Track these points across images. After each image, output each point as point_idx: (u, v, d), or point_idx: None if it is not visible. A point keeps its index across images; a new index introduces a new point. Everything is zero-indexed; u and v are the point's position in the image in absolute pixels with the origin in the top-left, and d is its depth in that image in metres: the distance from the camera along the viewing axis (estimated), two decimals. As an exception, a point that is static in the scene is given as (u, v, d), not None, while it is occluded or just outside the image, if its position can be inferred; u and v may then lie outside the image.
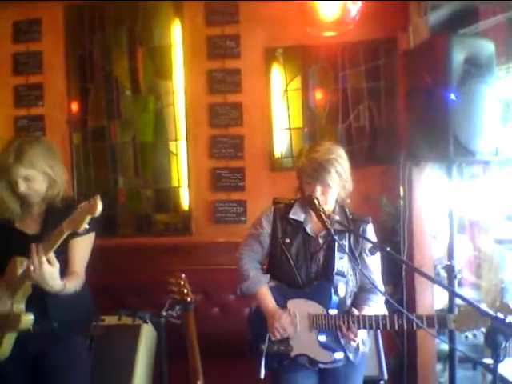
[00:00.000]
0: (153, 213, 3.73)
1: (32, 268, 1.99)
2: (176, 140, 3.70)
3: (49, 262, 2.01)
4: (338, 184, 2.16)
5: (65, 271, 2.18)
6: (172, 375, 2.29)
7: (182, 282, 2.46)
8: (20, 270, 2.12)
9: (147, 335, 2.80)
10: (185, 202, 3.71)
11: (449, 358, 2.85)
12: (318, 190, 2.14)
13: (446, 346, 3.17)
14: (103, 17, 3.69)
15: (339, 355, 2.17)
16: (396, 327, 2.05)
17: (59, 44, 3.73)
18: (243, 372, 2.29)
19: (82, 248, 2.28)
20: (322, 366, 2.19)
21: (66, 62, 3.73)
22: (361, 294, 2.25)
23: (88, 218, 1.96)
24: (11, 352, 2.19)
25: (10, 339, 2.17)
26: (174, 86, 3.68)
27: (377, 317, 2.07)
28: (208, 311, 3.37)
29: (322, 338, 2.17)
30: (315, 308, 2.17)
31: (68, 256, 2.23)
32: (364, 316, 2.10)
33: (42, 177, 2.23)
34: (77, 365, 2.31)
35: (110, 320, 2.76)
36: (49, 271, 2.01)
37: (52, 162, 2.26)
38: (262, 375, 2.17)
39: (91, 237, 2.32)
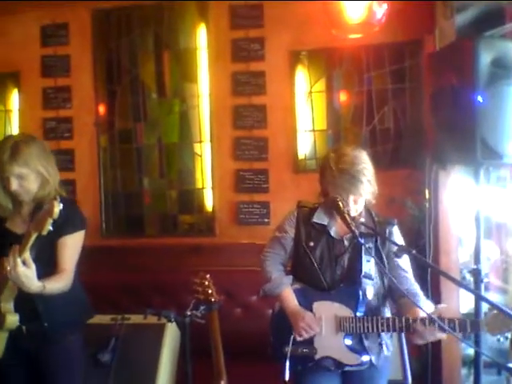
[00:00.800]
0: (177, 214, 3.77)
1: (8, 269, 1.98)
2: (200, 142, 3.73)
3: (24, 263, 1.98)
4: (367, 192, 2.14)
5: (52, 270, 2.17)
6: (195, 375, 2.30)
7: (207, 283, 2.48)
8: (5, 270, 2.07)
9: (171, 335, 2.82)
10: (209, 203, 3.74)
11: (474, 363, 2.81)
12: (351, 199, 2.12)
13: (470, 351, 3.13)
14: (130, 21, 3.76)
15: (366, 358, 2.16)
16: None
17: (86, 47, 3.80)
18: (266, 372, 2.30)
19: (70, 247, 2.24)
20: (347, 368, 2.17)
21: (93, 65, 3.81)
22: (402, 298, 2.17)
23: (49, 220, 1.93)
24: (6, 353, 2.19)
25: (1, 338, 2.18)
26: (198, 88, 3.72)
27: (407, 319, 2.04)
28: (231, 312, 3.39)
29: (348, 340, 2.16)
30: (342, 310, 2.15)
31: (56, 255, 2.20)
32: (394, 318, 2.07)
33: (34, 176, 2.21)
34: (70, 365, 2.30)
35: (135, 319, 2.79)
36: (23, 273, 1.98)
37: (46, 163, 2.25)
38: (287, 378, 2.15)
39: (80, 235, 2.28)
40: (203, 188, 3.74)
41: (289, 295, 2.25)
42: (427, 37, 3.28)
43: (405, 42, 3.43)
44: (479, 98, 2.55)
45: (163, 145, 3.77)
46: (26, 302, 2.14)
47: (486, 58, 2.56)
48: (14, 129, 3.93)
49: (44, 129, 3.85)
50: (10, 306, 2.15)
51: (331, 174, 2.12)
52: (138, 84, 3.77)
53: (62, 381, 2.27)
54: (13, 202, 2.28)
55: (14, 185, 2.18)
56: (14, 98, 3.93)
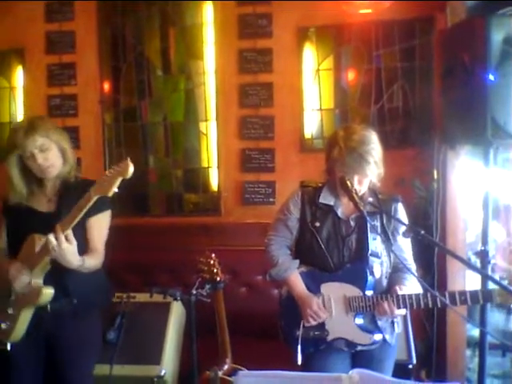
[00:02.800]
0: (183, 193, 3.76)
1: (51, 245, 2.00)
2: (206, 120, 3.70)
3: (67, 239, 2.02)
4: (373, 173, 2.11)
5: (84, 249, 2.19)
6: (201, 353, 2.32)
7: (212, 262, 2.49)
8: (38, 247, 2.12)
9: (177, 313, 2.84)
10: (214, 182, 3.72)
11: (479, 344, 2.81)
12: (356, 179, 2.08)
13: (475, 332, 3.14)
14: (135, -4, 3.69)
15: (378, 337, 2.16)
16: (438, 305, 2.03)
17: (91, 24, 3.74)
18: (270, 351, 2.32)
19: (99, 226, 2.27)
20: (359, 348, 2.17)
21: (98, 42, 3.75)
22: (395, 274, 2.21)
23: (119, 180, 1.94)
24: (26, 332, 2.21)
25: (25, 318, 2.18)
26: (204, 65, 3.67)
27: (417, 295, 2.04)
28: (236, 291, 3.40)
29: (359, 320, 2.15)
30: (351, 290, 2.14)
31: (86, 235, 2.23)
32: (404, 295, 2.06)
33: (56, 149, 2.22)
34: (91, 341, 2.34)
35: (141, 297, 2.81)
36: (67, 249, 2.02)
37: (64, 138, 2.27)
38: (300, 362, 2.15)
39: (108, 215, 2.31)
40: (209, 167, 3.72)
41: (296, 280, 2.24)
42: (438, 14, 3.22)
43: (415, 19, 3.36)
44: (491, 77, 2.51)
45: (168, 123, 3.73)
46: (54, 279, 2.17)
47: (497, 37, 2.54)
48: (19, 106, 3.89)
49: (49, 106, 3.82)
50: (41, 280, 2.17)
51: (339, 151, 2.09)
52: (143, 61, 3.72)
53: (81, 357, 2.29)
54: (36, 182, 2.28)
55: (40, 158, 2.18)
56: (18, 74, 3.88)
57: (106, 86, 3.76)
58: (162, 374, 2.63)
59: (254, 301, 3.36)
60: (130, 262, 3.47)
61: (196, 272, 2.53)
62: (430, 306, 2.03)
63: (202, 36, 3.66)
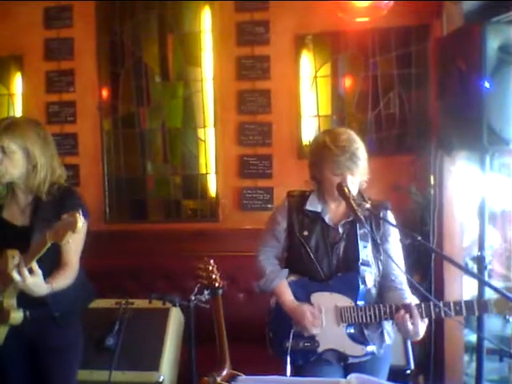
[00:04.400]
0: (181, 199, 3.77)
1: (15, 281, 1.94)
2: (204, 127, 3.71)
3: (30, 272, 1.95)
4: (362, 172, 2.11)
5: (57, 263, 2.15)
6: (199, 359, 2.32)
7: (211, 268, 2.50)
8: (11, 264, 2.01)
9: (175, 319, 2.84)
10: (212, 188, 3.73)
11: (476, 349, 2.82)
12: (349, 179, 2.07)
13: (472, 338, 3.15)
14: (134, 3, 3.71)
15: (371, 348, 2.11)
16: (433, 316, 1.98)
17: (90, 30, 3.76)
18: (269, 357, 2.31)
19: (74, 241, 2.13)
20: (350, 360, 2.13)
21: (96, 48, 3.76)
22: (392, 292, 2.14)
23: (69, 234, 1.87)
24: (8, 336, 2.16)
25: (2, 329, 2.15)
26: (202, 72, 3.69)
27: (411, 306, 1.99)
28: (234, 297, 3.40)
29: (351, 331, 2.11)
30: (342, 300, 2.10)
31: (61, 249, 2.15)
32: (397, 306, 2.01)
33: (20, 156, 2.10)
34: (73, 348, 2.30)
35: (140, 303, 2.81)
36: (32, 282, 1.96)
37: (43, 150, 2.14)
38: (289, 373, 2.10)
39: (83, 227, 2.18)
40: (207, 173, 3.73)
41: (283, 289, 2.21)
42: (434, 21, 3.25)
43: (412, 26, 3.39)
44: (486, 84, 2.53)
45: (166, 129, 3.75)
46: None
47: (493, 44, 2.55)
48: (18, 112, 3.89)
49: (47, 112, 3.82)
50: (14, 301, 2.10)
51: (331, 153, 2.06)
52: (141, 67, 3.73)
53: (63, 363, 2.27)
54: (7, 189, 2.20)
55: None
56: (17, 81, 3.89)
57: (105, 93, 3.78)
58: (161, 380, 2.63)
59: (252, 307, 3.35)
60: (129, 268, 3.48)
61: (194, 278, 2.54)
62: (424, 316, 1.98)
63: (200, 43, 3.68)
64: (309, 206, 2.20)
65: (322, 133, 2.28)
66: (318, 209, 2.19)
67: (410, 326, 1.95)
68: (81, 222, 1.85)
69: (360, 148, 2.09)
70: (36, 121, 2.25)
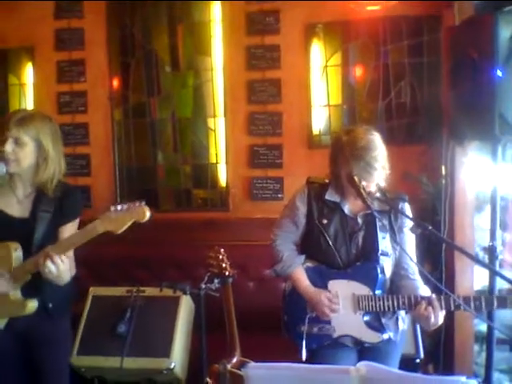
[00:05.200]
0: (191, 188, 3.78)
1: (48, 270, 1.96)
2: (214, 116, 3.71)
3: (62, 261, 1.98)
4: (381, 178, 2.11)
5: None
6: (209, 347, 2.34)
7: (221, 257, 2.51)
8: (14, 256, 2.06)
9: (186, 307, 2.86)
10: (222, 178, 3.74)
11: (486, 339, 2.82)
12: (363, 184, 2.06)
13: (483, 327, 3.14)
14: (144, -6, 3.71)
15: (387, 335, 2.14)
16: (452, 308, 1.99)
17: (100, 20, 3.76)
18: (278, 345, 2.32)
19: (72, 233, 2.19)
20: (366, 345, 2.16)
21: (107, 39, 3.77)
22: (404, 281, 2.16)
23: (129, 222, 1.88)
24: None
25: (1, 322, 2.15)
26: (212, 62, 3.69)
27: (429, 298, 2.01)
28: (244, 286, 3.42)
29: (367, 318, 2.14)
30: (360, 289, 2.13)
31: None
32: (416, 297, 2.03)
33: (32, 148, 2.11)
34: (65, 340, 2.33)
35: (150, 291, 2.83)
36: (64, 271, 2.01)
37: (54, 144, 2.16)
38: (304, 357, 2.14)
39: (76, 223, 2.24)
40: (217, 163, 3.74)
41: (301, 275, 2.23)
42: (446, 11, 3.21)
43: (423, 15, 3.36)
44: (498, 73, 2.51)
45: (177, 119, 3.75)
46: (29, 283, 2.12)
47: (505, 33, 2.54)
48: (29, 103, 3.92)
49: (58, 103, 3.84)
50: (19, 293, 2.12)
51: (344, 160, 2.07)
52: (151, 57, 3.73)
53: (54, 355, 2.28)
54: (5, 179, 2.18)
55: (8, 147, 2.07)
56: (28, 71, 3.91)
57: (115, 83, 3.79)
58: (172, 366, 2.66)
59: (261, 295, 3.38)
60: (139, 257, 3.50)
61: (205, 267, 2.55)
62: (443, 308, 1.99)
63: (210, 32, 3.67)
64: (328, 196, 2.22)
65: (343, 130, 2.27)
66: (337, 199, 2.21)
67: (432, 318, 1.97)
68: (148, 213, 1.87)
69: (377, 156, 2.05)
70: (48, 115, 2.26)
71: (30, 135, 2.10)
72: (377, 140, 2.10)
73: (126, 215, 1.88)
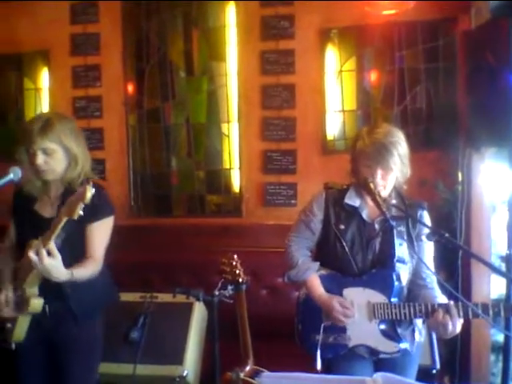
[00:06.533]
0: (205, 194, 3.78)
1: (33, 261, 1.95)
2: (228, 122, 3.71)
3: (49, 253, 1.95)
4: (398, 168, 2.07)
5: (81, 257, 2.16)
6: (222, 354, 2.32)
7: (235, 263, 2.49)
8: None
9: (199, 313, 2.85)
10: (236, 183, 3.73)
11: (503, 349, 2.77)
12: (379, 173, 2.04)
13: (499, 337, 3.09)
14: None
15: (404, 345, 2.10)
16: (470, 316, 1.96)
17: (116, 26, 3.79)
18: (292, 353, 2.30)
19: (99, 233, 2.21)
20: (382, 356, 2.12)
21: (122, 44, 3.79)
22: (422, 291, 2.13)
23: (80, 205, 1.89)
24: (28, 332, 2.18)
25: (23, 322, 2.16)
26: (227, 67, 3.69)
27: (447, 305, 1.98)
28: (257, 292, 3.40)
29: (383, 327, 2.09)
30: (375, 296, 2.09)
31: (85, 242, 2.18)
32: (433, 304, 2.00)
33: (62, 153, 2.16)
34: (91, 346, 2.31)
35: (164, 297, 2.82)
36: (50, 264, 1.96)
37: (77, 142, 2.20)
38: (319, 367, 2.10)
39: (109, 222, 2.25)
40: (231, 168, 3.73)
41: (315, 282, 2.20)
42: (461, 15, 3.18)
43: (439, 19, 3.32)
44: (516, 79, 2.48)
45: (191, 124, 3.76)
46: (50, 284, 2.10)
47: (522, 38, 2.49)
48: (45, 107, 3.95)
49: (74, 107, 3.87)
50: (35, 290, 2.13)
51: (363, 143, 2.07)
52: (166, 63, 3.75)
53: (80, 361, 2.26)
54: (42, 181, 2.24)
55: (40, 159, 2.13)
56: (44, 76, 3.95)
57: (130, 88, 3.81)
58: (185, 374, 2.65)
59: (275, 303, 3.36)
60: (153, 262, 3.50)
61: (218, 273, 2.53)
62: (461, 316, 1.96)
63: (225, 38, 3.68)
64: (347, 200, 2.19)
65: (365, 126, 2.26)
66: (356, 203, 2.18)
67: (450, 326, 1.94)
68: (89, 193, 1.88)
69: (395, 142, 2.05)
70: (64, 115, 2.30)
71: (55, 141, 2.14)
72: (397, 132, 2.11)
73: (75, 200, 1.92)
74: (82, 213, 1.93)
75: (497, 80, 2.57)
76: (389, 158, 2.03)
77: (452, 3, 3.21)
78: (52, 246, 1.97)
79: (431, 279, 2.14)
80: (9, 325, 2.18)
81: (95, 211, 2.13)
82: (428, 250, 2.17)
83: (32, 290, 2.13)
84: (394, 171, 2.08)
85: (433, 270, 2.17)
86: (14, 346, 2.21)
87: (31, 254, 1.96)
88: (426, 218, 2.20)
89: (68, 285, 2.13)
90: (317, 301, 2.18)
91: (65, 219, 1.96)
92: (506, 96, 2.52)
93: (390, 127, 2.13)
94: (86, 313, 2.23)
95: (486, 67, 2.64)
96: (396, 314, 2.05)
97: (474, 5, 3.05)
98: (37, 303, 2.12)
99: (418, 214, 2.16)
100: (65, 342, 2.24)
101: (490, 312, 1.93)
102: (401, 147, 2.06)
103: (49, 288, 2.12)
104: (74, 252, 2.13)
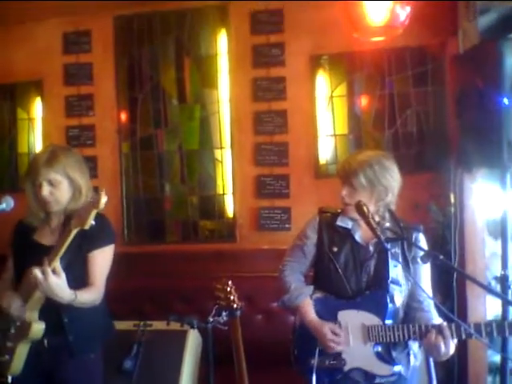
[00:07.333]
0: (198, 220, 3.77)
1: (37, 280, 1.96)
2: (221, 148, 3.73)
3: (54, 272, 1.97)
4: (367, 189, 2.09)
5: (82, 285, 2.15)
6: (217, 382, 2.29)
7: (229, 289, 2.47)
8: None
9: (193, 341, 2.82)
10: (230, 209, 3.73)
11: (500, 370, 2.75)
12: (345, 190, 2.12)
13: (496, 358, 3.07)
14: (151, 27, 3.77)
15: (398, 368, 2.08)
16: (463, 337, 1.95)
17: (109, 55, 3.83)
18: (287, 379, 2.27)
19: (100, 261, 2.22)
20: (378, 380, 2.09)
21: (115, 73, 3.83)
22: (418, 314, 2.12)
23: (93, 212, 1.94)
24: (26, 365, 2.15)
25: (22, 351, 2.14)
26: (219, 94, 3.72)
27: (441, 327, 1.96)
28: (252, 318, 3.37)
29: (378, 350, 2.08)
30: (370, 319, 2.08)
31: (86, 269, 2.18)
32: (427, 326, 1.99)
33: (67, 184, 2.20)
34: (89, 380, 2.27)
35: (157, 325, 2.79)
36: (55, 282, 1.97)
37: (81, 173, 2.25)
38: None
39: (110, 249, 2.26)
40: (224, 194, 3.74)
41: (307, 308, 2.19)
42: (450, 39, 3.23)
43: (427, 44, 3.38)
44: (505, 101, 2.51)
45: (184, 151, 3.77)
46: (50, 314, 2.12)
47: (510, 60, 2.54)
48: (38, 137, 3.96)
49: (67, 136, 3.88)
50: (36, 315, 2.13)
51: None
52: (159, 91, 3.78)
53: None
54: (44, 212, 2.26)
55: (45, 191, 2.17)
56: (37, 106, 3.97)
57: (123, 116, 3.83)
58: (179, 402, 2.60)
59: (270, 327, 3.33)
60: (146, 289, 3.47)
61: (212, 299, 2.52)
62: (455, 337, 1.95)
63: (217, 65, 3.72)
64: (340, 222, 2.21)
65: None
66: (349, 225, 2.19)
67: (443, 347, 1.93)
68: (104, 199, 1.91)
69: (363, 163, 2.09)
70: (66, 146, 2.34)
71: (60, 173, 2.18)
72: (376, 155, 2.15)
73: (87, 208, 1.96)
74: (93, 222, 1.96)
75: (486, 103, 2.60)
76: (351, 176, 2.09)
77: (439, 27, 3.27)
78: (57, 265, 1.99)
79: (428, 302, 2.13)
80: (6, 357, 2.15)
81: (97, 238, 2.15)
82: (425, 272, 2.16)
83: (33, 314, 2.12)
84: (360, 192, 2.10)
85: (430, 292, 2.16)
86: (10, 379, 2.17)
87: (36, 272, 1.97)
88: (422, 240, 2.20)
89: (67, 315, 2.13)
90: (308, 326, 2.18)
91: (75, 230, 1.98)
92: (496, 118, 2.55)
93: (374, 152, 2.17)
94: (84, 346, 2.20)
95: (475, 91, 2.68)
96: (390, 337, 2.04)
97: (461, 28, 3.11)
98: (39, 327, 2.11)
99: (414, 237, 2.16)
100: (62, 378, 2.20)
101: (483, 332, 1.92)
102: (371, 169, 2.08)
103: (48, 319, 2.11)
104: (75, 280, 2.11)
